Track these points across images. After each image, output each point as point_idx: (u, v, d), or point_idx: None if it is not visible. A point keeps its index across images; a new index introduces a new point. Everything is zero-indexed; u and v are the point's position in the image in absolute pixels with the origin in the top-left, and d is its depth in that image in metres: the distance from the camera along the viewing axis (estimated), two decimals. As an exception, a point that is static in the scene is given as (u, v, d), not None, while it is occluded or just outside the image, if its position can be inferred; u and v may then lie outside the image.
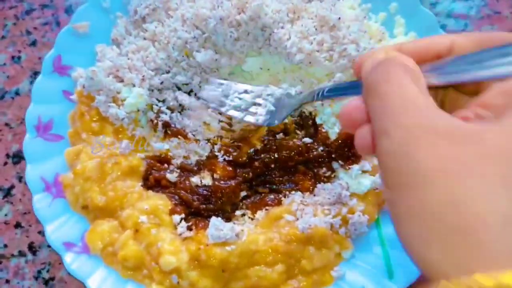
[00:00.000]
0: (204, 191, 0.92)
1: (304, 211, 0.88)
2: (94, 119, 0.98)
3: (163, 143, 0.98)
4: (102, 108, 0.97)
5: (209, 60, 0.98)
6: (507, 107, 0.45)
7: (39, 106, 0.99)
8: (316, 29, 0.95)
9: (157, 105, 0.99)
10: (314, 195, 0.92)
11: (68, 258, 0.89)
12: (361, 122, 0.54)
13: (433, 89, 0.52)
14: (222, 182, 0.92)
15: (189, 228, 0.90)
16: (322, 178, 0.93)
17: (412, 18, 1.02)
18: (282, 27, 0.94)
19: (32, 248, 1.01)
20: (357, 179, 0.90)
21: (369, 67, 0.54)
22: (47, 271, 0.99)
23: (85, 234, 0.92)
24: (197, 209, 0.91)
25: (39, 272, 0.99)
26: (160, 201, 0.91)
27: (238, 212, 0.92)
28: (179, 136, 0.98)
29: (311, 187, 0.92)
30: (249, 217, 0.92)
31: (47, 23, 1.19)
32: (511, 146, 0.40)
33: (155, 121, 0.98)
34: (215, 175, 0.93)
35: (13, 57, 1.17)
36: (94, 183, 0.92)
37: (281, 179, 0.94)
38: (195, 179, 0.93)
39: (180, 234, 0.89)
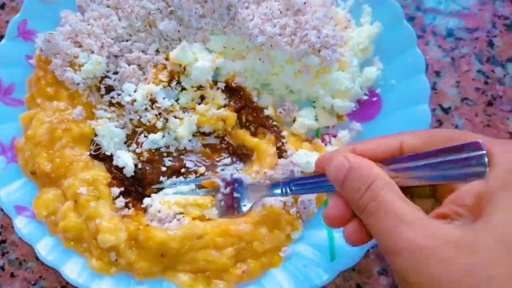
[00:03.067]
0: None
1: None
2: (50, 82, 0.99)
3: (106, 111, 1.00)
4: (58, 71, 0.99)
5: (171, 30, 1.00)
6: (481, 208, 0.54)
7: (1, 70, 1.01)
8: (280, 12, 0.97)
9: (109, 71, 1.00)
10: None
11: (18, 222, 0.92)
12: (344, 220, 0.67)
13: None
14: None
15: (127, 206, 0.93)
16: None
17: (379, 8, 1.04)
18: (247, 8, 0.96)
19: None
20: (306, 158, 0.93)
21: (334, 172, 0.65)
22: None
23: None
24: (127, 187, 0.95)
25: None
26: (101, 173, 0.93)
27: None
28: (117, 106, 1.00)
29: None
30: None
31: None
32: (503, 246, 0.49)
33: (99, 84, 1.00)
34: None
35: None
36: (43, 148, 0.94)
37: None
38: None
39: (118, 211, 0.91)
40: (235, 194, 0.90)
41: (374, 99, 1.02)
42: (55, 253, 0.90)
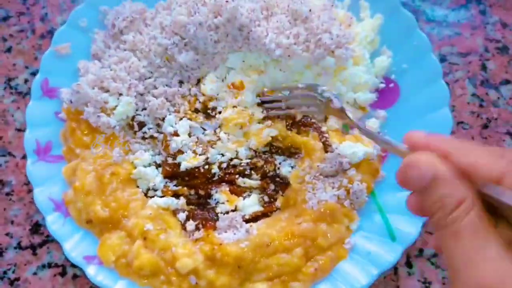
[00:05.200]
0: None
1: (316, 185, 0.98)
2: (85, 132, 1.04)
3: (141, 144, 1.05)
4: (92, 119, 1.03)
5: (190, 60, 1.05)
6: None
7: (35, 131, 1.04)
8: (290, 23, 1.04)
9: (137, 109, 1.05)
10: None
11: (91, 270, 0.95)
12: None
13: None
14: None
15: (197, 228, 0.97)
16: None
17: (375, 1, 1.12)
18: (259, 25, 1.02)
19: None
20: (351, 149, 0.99)
21: (419, 177, 0.60)
22: (13, 271, 1.04)
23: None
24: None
25: (5, 272, 1.04)
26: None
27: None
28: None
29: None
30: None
31: (22, 31, 1.25)
32: None
33: (131, 122, 1.05)
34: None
35: (-12, 63, 1.22)
36: (95, 196, 0.98)
37: None
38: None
39: (190, 236, 0.96)
40: None
41: (391, 85, 1.10)
42: (133, 292, 0.94)
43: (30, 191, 1.09)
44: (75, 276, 1.03)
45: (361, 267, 0.95)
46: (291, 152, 1.04)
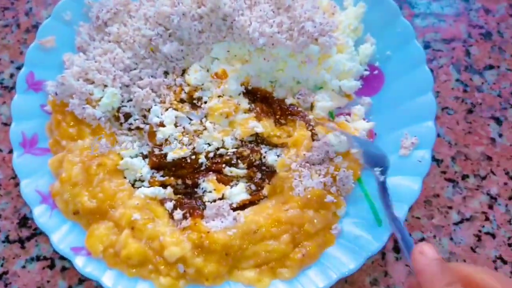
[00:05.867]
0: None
1: (302, 173, 0.98)
2: (71, 124, 1.04)
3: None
4: (77, 111, 1.03)
5: (174, 51, 1.06)
6: None
7: (20, 124, 1.05)
8: (273, 12, 1.04)
9: (123, 100, 1.06)
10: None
11: (79, 261, 0.95)
12: None
13: None
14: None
15: (184, 216, 0.98)
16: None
17: (358, -11, 1.13)
18: (242, 14, 1.03)
19: None
20: (338, 138, 1.00)
21: None
22: (1, 265, 1.05)
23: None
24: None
25: None
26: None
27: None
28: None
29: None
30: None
31: (7, 25, 1.25)
32: None
33: (117, 114, 1.06)
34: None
35: (-27, 58, 1.22)
36: (82, 187, 0.99)
37: None
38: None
39: (177, 225, 0.97)
40: None
41: (376, 72, 1.11)
42: (121, 283, 0.94)
43: (17, 184, 1.09)
44: (63, 269, 1.04)
45: (348, 252, 0.96)
46: (276, 143, 1.05)
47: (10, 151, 1.12)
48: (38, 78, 1.08)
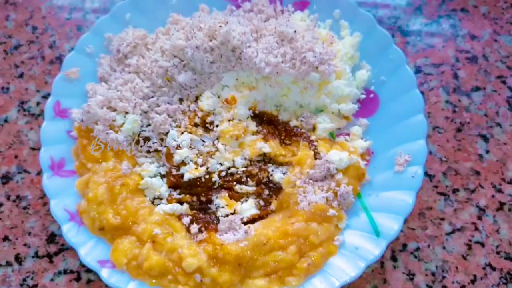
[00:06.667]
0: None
1: (306, 189, 1.08)
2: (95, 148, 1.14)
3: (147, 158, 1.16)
4: (101, 136, 1.14)
5: (188, 80, 1.17)
6: None
7: (49, 148, 1.15)
8: (277, 44, 1.15)
9: (142, 126, 1.17)
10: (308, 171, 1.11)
11: (105, 273, 1.05)
12: None
13: None
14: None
15: (200, 230, 1.08)
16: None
17: (354, 21, 1.24)
18: (249, 46, 1.14)
19: (18, 259, 1.16)
20: (338, 156, 1.11)
21: None
22: (31, 279, 1.14)
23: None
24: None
25: (24, 280, 1.14)
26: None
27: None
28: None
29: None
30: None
31: (33, 57, 1.37)
32: None
33: (137, 137, 1.16)
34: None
35: (2, 88, 1.34)
36: (107, 205, 1.08)
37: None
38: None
39: (194, 238, 1.06)
40: None
41: (371, 96, 1.22)
42: (144, 292, 1.04)
43: (45, 204, 1.19)
44: (89, 281, 1.13)
45: (349, 261, 1.05)
46: (282, 162, 1.15)
47: (38, 173, 1.22)
48: (64, 107, 1.19)
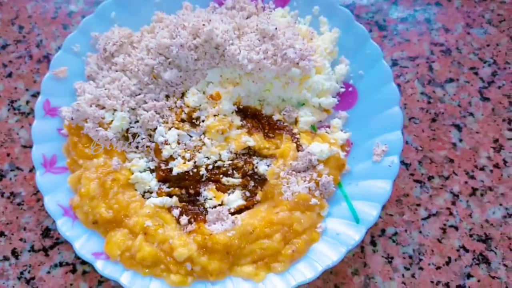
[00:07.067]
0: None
1: (290, 180, 1.14)
2: (86, 145, 1.18)
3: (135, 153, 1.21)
4: (91, 133, 1.18)
5: (174, 77, 1.21)
6: None
7: (41, 146, 1.18)
8: (259, 41, 1.20)
9: (130, 122, 1.21)
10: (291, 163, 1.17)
11: (100, 265, 1.10)
12: None
13: None
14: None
15: (189, 221, 1.13)
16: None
17: (332, 17, 1.29)
18: (232, 44, 1.18)
19: (14, 253, 1.21)
20: (319, 148, 1.16)
21: None
22: (28, 272, 1.19)
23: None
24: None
25: (21, 273, 1.19)
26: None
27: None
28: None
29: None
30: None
31: (20, 57, 1.39)
32: None
33: (126, 134, 1.21)
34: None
35: (-9, 87, 1.36)
36: (99, 200, 1.13)
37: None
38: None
39: (184, 229, 1.12)
40: None
41: (350, 89, 1.27)
42: (137, 282, 1.09)
43: (38, 200, 1.24)
44: (84, 272, 1.19)
45: (331, 247, 1.12)
46: (266, 155, 1.21)
47: (30, 170, 1.26)
48: (54, 105, 1.22)
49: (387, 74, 1.23)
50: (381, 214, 1.22)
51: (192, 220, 1.13)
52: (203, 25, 1.17)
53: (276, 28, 1.20)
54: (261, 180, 1.19)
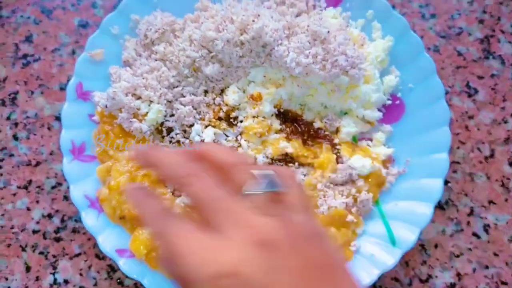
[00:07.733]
0: None
1: (327, 193, 1.10)
2: (119, 136, 1.14)
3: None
4: (125, 124, 1.13)
5: (215, 72, 1.15)
6: None
7: (70, 132, 1.14)
8: (309, 43, 1.13)
9: (165, 115, 1.16)
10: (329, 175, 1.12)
11: (123, 263, 1.07)
12: None
13: None
14: None
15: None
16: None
17: (387, 23, 1.22)
18: (281, 44, 1.12)
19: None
20: (361, 162, 1.11)
21: None
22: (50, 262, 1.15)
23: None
24: None
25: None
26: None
27: None
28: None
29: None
30: None
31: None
32: None
33: (160, 127, 1.15)
34: None
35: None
36: (128, 195, 1.09)
37: None
38: None
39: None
40: None
41: (397, 102, 1.21)
42: (161, 285, 1.06)
43: (59, 190, 1.19)
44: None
45: (364, 268, 1.08)
46: (304, 163, 1.15)
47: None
48: (86, 89, 1.17)
49: (439, 90, 1.17)
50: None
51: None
52: (253, 21, 1.10)
53: (328, 32, 1.13)
54: (297, 190, 1.14)
